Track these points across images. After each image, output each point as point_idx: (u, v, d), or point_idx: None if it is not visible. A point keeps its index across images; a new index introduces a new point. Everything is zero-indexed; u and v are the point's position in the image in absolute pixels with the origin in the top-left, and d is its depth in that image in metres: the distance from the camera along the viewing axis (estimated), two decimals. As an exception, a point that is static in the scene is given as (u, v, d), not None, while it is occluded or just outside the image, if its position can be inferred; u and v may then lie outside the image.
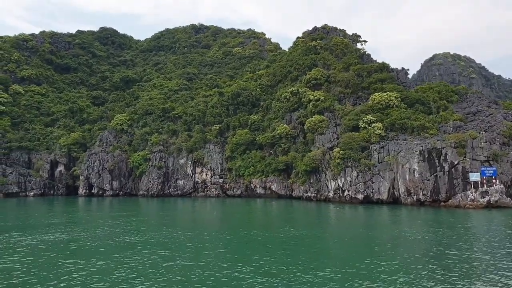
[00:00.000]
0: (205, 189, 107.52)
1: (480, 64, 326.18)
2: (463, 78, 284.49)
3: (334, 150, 77.44)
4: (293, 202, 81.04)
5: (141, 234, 35.95)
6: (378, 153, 73.12)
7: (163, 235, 35.25)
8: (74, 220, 50.65)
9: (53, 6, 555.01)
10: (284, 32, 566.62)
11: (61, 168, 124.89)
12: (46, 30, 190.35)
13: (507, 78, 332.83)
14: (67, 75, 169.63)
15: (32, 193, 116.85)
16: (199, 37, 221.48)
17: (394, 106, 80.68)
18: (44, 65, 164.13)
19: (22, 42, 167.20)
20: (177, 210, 68.84)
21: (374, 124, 76.86)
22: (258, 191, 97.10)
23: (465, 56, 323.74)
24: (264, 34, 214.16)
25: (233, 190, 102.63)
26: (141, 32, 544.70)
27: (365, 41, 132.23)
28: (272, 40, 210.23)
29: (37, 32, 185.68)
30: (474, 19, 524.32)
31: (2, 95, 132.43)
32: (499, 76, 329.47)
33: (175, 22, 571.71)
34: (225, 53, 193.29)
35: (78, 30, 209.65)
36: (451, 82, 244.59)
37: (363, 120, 78.79)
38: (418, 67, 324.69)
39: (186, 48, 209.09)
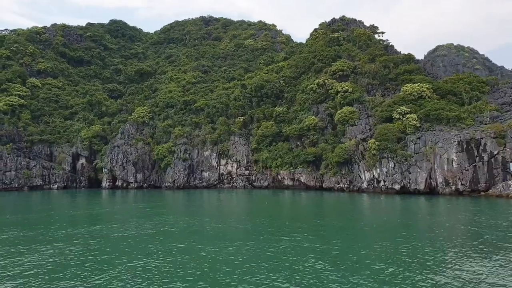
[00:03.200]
0: (231, 181, 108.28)
1: (483, 55, 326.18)
2: (467, 69, 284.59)
3: (369, 141, 78.08)
4: (323, 193, 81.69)
5: (229, 223, 36.64)
6: (415, 144, 73.80)
7: (243, 225, 35.90)
8: (145, 211, 51.25)
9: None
10: (283, 26, 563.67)
11: (82, 161, 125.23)
12: (57, 23, 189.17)
13: (510, 69, 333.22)
14: (81, 68, 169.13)
15: (56, 186, 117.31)
16: (209, 29, 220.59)
17: (427, 97, 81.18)
18: (58, 58, 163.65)
19: (35, 35, 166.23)
20: (224, 201, 69.28)
21: (408, 115, 77.42)
22: (285, 183, 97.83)
23: (468, 47, 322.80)
24: (275, 26, 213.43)
25: (259, 182, 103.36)
26: (137, 25, 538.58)
27: (382, 33, 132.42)
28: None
29: (32, 26, 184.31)
30: (472, 10, 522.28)
31: (21, 89, 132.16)
32: (502, 67, 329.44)
33: (170, 16, 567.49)
34: (237, 45, 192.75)
35: (88, 22, 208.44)
36: (455, 73, 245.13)
37: (396, 111, 79.34)
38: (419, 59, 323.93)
39: (196, 41, 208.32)
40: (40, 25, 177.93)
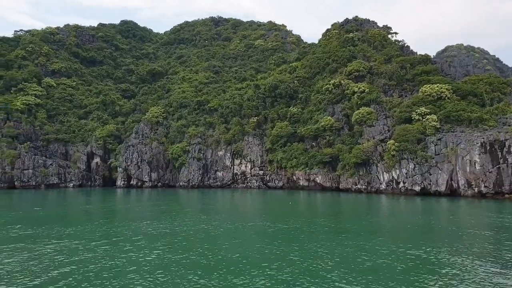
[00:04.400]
0: (245, 181, 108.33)
1: (494, 55, 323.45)
2: (478, 70, 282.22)
3: (388, 142, 77.75)
4: (341, 194, 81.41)
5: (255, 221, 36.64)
6: (435, 145, 73.41)
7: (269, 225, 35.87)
8: (167, 210, 51.43)
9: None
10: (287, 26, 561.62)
11: (97, 159, 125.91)
12: (70, 24, 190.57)
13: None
14: (94, 68, 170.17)
15: (71, 184, 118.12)
16: (219, 29, 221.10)
17: (446, 98, 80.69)
18: (71, 58, 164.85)
19: (49, 36, 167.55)
20: (247, 201, 69.32)
21: (428, 116, 77.00)
22: (301, 183, 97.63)
23: (478, 48, 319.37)
24: (285, 26, 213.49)
25: (274, 182, 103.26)
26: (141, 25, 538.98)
27: (396, 33, 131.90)
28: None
29: (40, 27, 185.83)
30: (472, 10, 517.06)
31: (37, 88, 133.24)
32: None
33: (171, 17, 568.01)
34: (247, 46, 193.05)
35: (99, 23, 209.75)
36: (465, 74, 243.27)
37: (416, 112, 78.94)
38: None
39: (206, 41, 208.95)
40: (42, 24, 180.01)
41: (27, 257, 22.33)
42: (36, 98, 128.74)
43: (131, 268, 20.07)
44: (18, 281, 17.96)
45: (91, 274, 19.06)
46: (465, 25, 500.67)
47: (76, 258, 22.13)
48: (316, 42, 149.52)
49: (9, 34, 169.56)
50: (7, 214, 44.86)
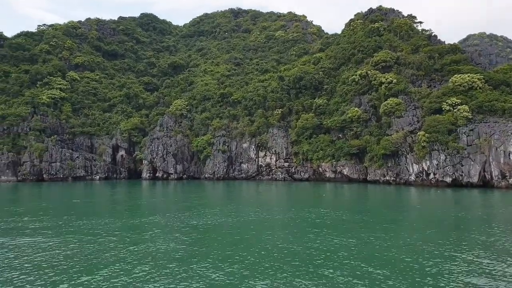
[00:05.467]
0: (270, 173, 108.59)
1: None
2: (501, 59, 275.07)
3: (419, 133, 76.75)
4: (368, 186, 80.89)
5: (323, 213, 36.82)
6: (467, 136, 72.21)
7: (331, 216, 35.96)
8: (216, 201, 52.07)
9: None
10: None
11: (122, 152, 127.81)
12: (91, 17, 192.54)
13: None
14: (116, 62, 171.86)
15: (98, 176, 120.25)
16: (239, 21, 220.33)
17: (478, 88, 79.03)
18: (94, 52, 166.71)
19: (72, 30, 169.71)
20: (278, 192, 69.54)
21: (459, 106, 75.62)
22: (327, 175, 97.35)
23: (502, 36, 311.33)
24: (306, 17, 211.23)
25: (300, 174, 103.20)
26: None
27: (421, 22, 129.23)
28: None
29: (69, 20, 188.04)
30: None
31: (61, 82, 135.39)
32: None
33: (190, 11, 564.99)
34: (267, 37, 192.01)
35: (120, 16, 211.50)
36: (488, 63, 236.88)
37: (446, 103, 77.60)
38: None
39: (226, 33, 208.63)
40: (62, 19, 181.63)
41: (97, 248, 22.96)
42: (61, 92, 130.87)
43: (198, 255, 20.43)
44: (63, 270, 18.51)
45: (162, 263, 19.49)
46: (487, 12, 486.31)
47: (145, 246, 22.66)
48: (336, 33, 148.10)
49: (33, 29, 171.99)
50: (56, 203, 46.09)
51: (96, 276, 17.50)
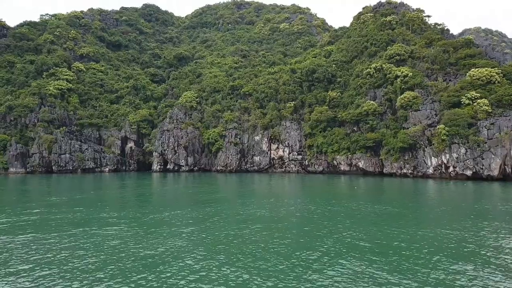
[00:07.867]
0: (283, 165, 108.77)
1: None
2: (496, 54, 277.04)
3: (438, 126, 77.21)
4: (385, 179, 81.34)
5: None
6: (488, 129, 72.77)
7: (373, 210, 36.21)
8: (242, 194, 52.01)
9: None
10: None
11: (131, 144, 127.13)
12: (94, 7, 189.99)
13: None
14: (120, 52, 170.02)
15: (107, 169, 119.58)
16: (242, 13, 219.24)
17: (496, 82, 79.58)
18: (98, 43, 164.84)
19: (75, 20, 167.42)
20: (298, 185, 69.68)
21: (479, 100, 76.13)
22: (342, 168, 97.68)
23: (496, 31, 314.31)
24: (309, 9, 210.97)
25: (314, 167, 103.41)
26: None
27: (428, 16, 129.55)
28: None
29: (72, 10, 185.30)
30: None
31: (68, 73, 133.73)
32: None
33: (191, 1, 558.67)
34: (272, 29, 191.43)
35: (122, 7, 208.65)
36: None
37: (466, 97, 78.06)
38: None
39: (230, 25, 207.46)
40: (63, 9, 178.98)
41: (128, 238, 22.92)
42: (68, 83, 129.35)
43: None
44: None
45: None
46: (482, 7, 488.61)
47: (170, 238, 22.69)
48: (344, 26, 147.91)
49: (35, 18, 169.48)
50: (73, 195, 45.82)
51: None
